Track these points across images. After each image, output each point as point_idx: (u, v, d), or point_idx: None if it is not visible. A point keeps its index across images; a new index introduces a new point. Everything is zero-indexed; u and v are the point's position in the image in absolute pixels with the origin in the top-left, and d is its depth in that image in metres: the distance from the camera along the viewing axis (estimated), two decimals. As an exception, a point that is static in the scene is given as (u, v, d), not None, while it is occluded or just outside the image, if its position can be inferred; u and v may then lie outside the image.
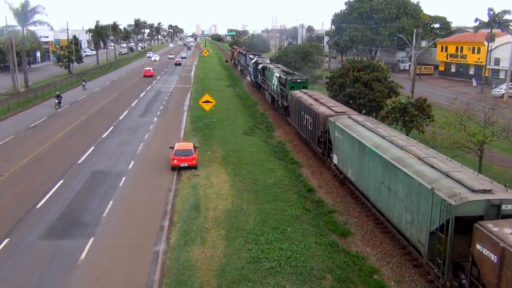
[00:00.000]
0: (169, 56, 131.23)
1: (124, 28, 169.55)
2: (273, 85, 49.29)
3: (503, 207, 14.06)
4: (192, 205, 23.19)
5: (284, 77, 43.99)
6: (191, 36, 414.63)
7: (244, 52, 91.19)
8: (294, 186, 26.47)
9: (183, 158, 28.42)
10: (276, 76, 47.76)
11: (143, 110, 49.19)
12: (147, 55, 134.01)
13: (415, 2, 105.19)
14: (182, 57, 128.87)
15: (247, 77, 76.32)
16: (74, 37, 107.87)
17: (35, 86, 64.09)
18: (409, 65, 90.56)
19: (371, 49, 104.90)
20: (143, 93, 61.68)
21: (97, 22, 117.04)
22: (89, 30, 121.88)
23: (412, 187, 16.94)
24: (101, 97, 58.00)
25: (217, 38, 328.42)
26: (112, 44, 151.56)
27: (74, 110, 49.36)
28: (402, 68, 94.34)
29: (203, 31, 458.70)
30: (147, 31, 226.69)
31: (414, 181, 16.80)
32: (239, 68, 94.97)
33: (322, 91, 46.96)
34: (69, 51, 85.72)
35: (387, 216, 19.73)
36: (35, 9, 64.86)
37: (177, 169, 28.58)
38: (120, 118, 44.92)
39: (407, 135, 33.36)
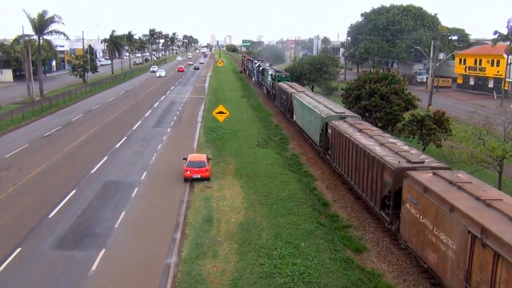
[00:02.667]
0: (189, 62, 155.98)
1: (139, 38, 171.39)
2: (268, 80, 68.69)
3: None
4: (205, 218, 23.13)
5: (274, 74, 64.58)
6: (206, 47, 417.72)
7: (251, 58, 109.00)
8: (308, 199, 26.26)
9: (196, 169, 28.43)
10: (269, 73, 67.75)
11: (157, 121, 49.46)
12: (151, 69, 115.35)
13: (433, 14, 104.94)
14: (200, 63, 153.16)
15: (253, 78, 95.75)
16: (90, 46, 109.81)
17: (50, 95, 65.00)
18: (427, 78, 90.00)
19: (388, 61, 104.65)
20: (157, 103, 62.11)
21: (112, 32, 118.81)
22: (104, 40, 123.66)
23: None
24: (115, 107, 58.53)
25: (231, 49, 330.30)
26: (127, 54, 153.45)
27: (88, 120, 49.83)
28: (419, 81, 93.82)
29: (217, 42, 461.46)
30: (161, 41, 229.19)
31: None
32: (247, 72, 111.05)
33: (338, 103, 46.76)
34: (84, 60, 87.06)
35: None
36: (52, 18, 65.95)
37: (190, 180, 28.58)
38: (134, 128, 45.21)
39: (423, 149, 33.05)
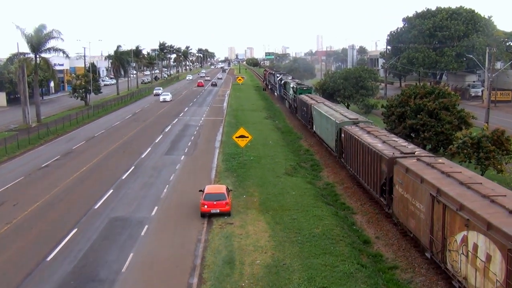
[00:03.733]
0: (206, 78, 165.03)
1: (148, 54, 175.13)
2: (290, 94, 76.08)
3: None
4: (225, 259, 23.08)
5: (295, 87, 72.28)
6: (223, 61, 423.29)
7: (273, 72, 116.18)
8: (346, 236, 26.01)
9: (215, 203, 28.51)
10: (291, 86, 75.10)
11: (169, 147, 50.04)
12: (154, 92, 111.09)
13: (486, 17, 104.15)
14: (218, 78, 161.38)
15: (275, 93, 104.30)
16: (92, 64, 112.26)
17: (48, 120, 66.52)
18: (482, 91, 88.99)
19: (435, 72, 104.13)
20: (169, 127, 62.93)
21: (118, 47, 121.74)
22: (109, 57, 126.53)
23: None
24: (121, 132, 59.55)
25: (253, 63, 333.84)
26: (134, 72, 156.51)
27: (91, 147, 50.74)
28: (473, 95, 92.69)
29: (237, 55, 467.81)
30: (173, 56, 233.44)
31: None
32: (269, 87, 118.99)
33: (379, 124, 46.55)
34: (86, 80, 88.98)
35: None
36: (50, 34, 67.70)
37: (207, 216, 28.66)
38: (143, 156, 45.79)
39: (482, 174, 32.46)
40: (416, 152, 28.78)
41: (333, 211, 30.44)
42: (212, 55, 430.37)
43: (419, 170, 24.26)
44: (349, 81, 75.28)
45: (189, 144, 51.21)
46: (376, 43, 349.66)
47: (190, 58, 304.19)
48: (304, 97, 63.71)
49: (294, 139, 55.90)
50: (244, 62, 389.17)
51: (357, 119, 42.20)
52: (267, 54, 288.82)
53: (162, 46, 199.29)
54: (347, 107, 75.04)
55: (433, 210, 21.76)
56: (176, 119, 69.73)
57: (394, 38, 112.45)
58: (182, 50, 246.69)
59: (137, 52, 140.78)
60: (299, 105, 65.71)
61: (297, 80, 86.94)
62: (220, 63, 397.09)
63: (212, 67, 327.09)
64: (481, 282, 17.71)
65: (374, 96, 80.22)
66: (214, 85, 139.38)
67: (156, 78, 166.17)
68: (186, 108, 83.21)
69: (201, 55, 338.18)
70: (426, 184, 22.76)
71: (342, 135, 39.61)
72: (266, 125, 63.09)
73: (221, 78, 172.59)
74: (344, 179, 38.75)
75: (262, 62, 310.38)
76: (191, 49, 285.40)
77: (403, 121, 43.47)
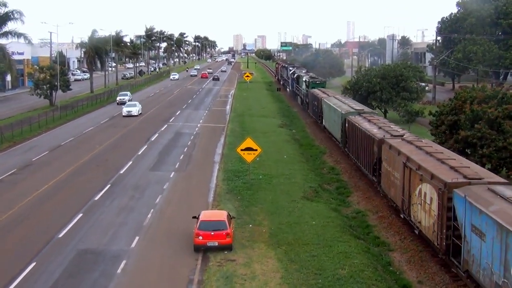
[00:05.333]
0: (208, 70, 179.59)
1: (131, 42, 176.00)
2: (302, 88, 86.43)
3: None
4: (224, 307, 22.95)
5: (308, 80, 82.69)
6: (228, 52, 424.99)
7: (286, 65, 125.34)
8: (380, 280, 25.91)
9: (212, 233, 28.42)
10: (303, 80, 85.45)
11: (155, 161, 50.13)
12: (118, 99, 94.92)
13: None
14: (222, 71, 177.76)
15: (287, 88, 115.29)
16: (60, 53, 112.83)
17: (2, 124, 66.14)
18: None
19: (498, 71, 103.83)
20: (156, 135, 63.07)
21: (93, 32, 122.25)
22: (81, 44, 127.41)
23: None
24: (95, 141, 59.81)
25: (265, 55, 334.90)
26: (114, 64, 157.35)
27: (56, 159, 50.90)
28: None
29: (244, 45, 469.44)
30: (163, 45, 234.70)
31: None
32: (282, 83, 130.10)
33: (425, 136, 46.39)
34: (52, 74, 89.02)
35: None
36: (8, 14, 67.81)
37: (203, 249, 28.56)
38: (122, 171, 45.84)
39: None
40: (404, 135, 39.18)
41: (364, 247, 30.32)
42: (213, 45, 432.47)
43: (399, 145, 35.47)
44: (387, 81, 75.19)
45: (181, 158, 51.25)
46: (422, 32, 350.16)
47: (185, 48, 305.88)
48: (315, 91, 73.61)
49: (315, 154, 55.83)
50: (254, 54, 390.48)
51: (363, 109, 53.12)
52: (283, 44, 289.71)
53: (150, 33, 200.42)
54: (384, 114, 74.87)
55: (404, 175, 32.74)
56: (166, 125, 69.92)
57: (446, 27, 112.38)
58: (174, 38, 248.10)
59: (117, 40, 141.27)
60: (311, 99, 75.88)
61: (311, 74, 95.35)
62: (221, 55, 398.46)
63: (209, 60, 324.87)
64: (427, 220, 29.02)
65: (420, 100, 79.99)
66: (216, 79, 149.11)
67: (141, 73, 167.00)
68: (178, 112, 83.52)
69: (199, 45, 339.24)
70: (401, 155, 33.72)
71: (346, 124, 50.14)
72: (280, 135, 63.05)
73: (225, 71, 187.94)
74: (379, 206, 38.58)
75: (276, 55, 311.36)
76: (186, 36, 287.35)
77: (455, 132, 43.27)
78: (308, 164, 50.24)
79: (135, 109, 79.44)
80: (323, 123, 64.50)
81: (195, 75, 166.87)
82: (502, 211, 22.21)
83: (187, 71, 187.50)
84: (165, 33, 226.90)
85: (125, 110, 79.30)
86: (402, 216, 33.78)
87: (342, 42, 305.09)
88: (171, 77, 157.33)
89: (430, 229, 28.55)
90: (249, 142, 42.22)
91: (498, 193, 24.00)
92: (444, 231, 26.63)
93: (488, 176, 28.02)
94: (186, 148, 55.66)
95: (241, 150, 42.19)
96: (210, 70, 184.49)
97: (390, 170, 35.80)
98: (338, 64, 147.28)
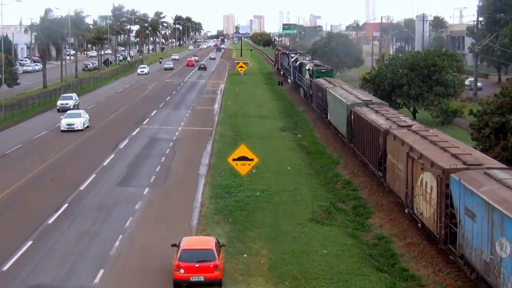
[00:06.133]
0: (194, 57, 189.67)
1: (95, 23, 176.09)
2: (306, 79, 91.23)
3: None
4: None
5: (312, 68, 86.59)
6: (216, 37, 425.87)
7: (287, 52, 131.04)
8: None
9: (197, 265, 28.25)
10: (307, 69, 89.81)
11: (125, 174, 50.06)
12: (59, 103, 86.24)
13: None
14: (211, 58, 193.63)
15: (288, 79, 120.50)
16: (5, 38, 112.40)
17: None
18: None
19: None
20: (126, 141, 62.86)
21: (47, 12, 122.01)
22: (31, 27, 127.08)
23: None
24: (49, 148, 59.64)
25: (263, 41, 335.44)
26: (73, 52, 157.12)
27: (-1, 172, 50.81)
28: None
29: (237, 28, 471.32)
30: (135, 28, 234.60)
31: None
32: (282, 73, 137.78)
33: (466, 141, 46.25)
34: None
35: None
36: None
37: (185, 286, 28.47)
38: (82, 187, 45.65)
39: None
40: (412, 126, 44.03)
41: (389, 282, 30.15)
42: (197, 28, 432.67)
43: (403, 136, 40.00)
44: (417, 72, 75.26)
45: (157, 170, 51.12)
46: (460, 12, 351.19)
47: (163, 32, 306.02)
48: (320, 80, 78.45)
49: (327, 165, 55.70)
50: (249, 39, 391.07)
51: (371, 100, 58.68)
52: (286, 26, 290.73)
53: (118, 12, 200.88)
54: (413, 114, 74.78)
55: (407, 166, 37.09)
56: (138, 129, 69.69)
57: (489, 5, 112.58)
58: (149, 19, 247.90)
59: (77, 21, 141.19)
60: (315, 91, 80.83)
61: (316, 61, 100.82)
62: (207, 41, 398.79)
63: (191, 48, 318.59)
64: (428, 210, 33.25)
65: (458, 97, 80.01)
66: (203, 68, 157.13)
67: (106, 63, 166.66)
68: (154, 112, 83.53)
69: (180, 27, 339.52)
70: (405, 145, 38.20)
71: (352, 117, 54.82)
72: (282, 141, 63.05)
73: (214, 58, 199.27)
74: (407, 230, 38.37)
75: (278, 40, 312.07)
76: (164, 17, 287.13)
77: (502, 137, 43.15)
78: (317, 177, 50.19)
79: (79, 122, 70.11)
80: (328, 117, 69.39)
81: (170, 68, 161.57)
82: (492, 191, 26.48)
83: (160, 62, 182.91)
84: (137, 13, 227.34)
85: (64, 123, 69.45)
86: (406, 211, 38.79)
87: (360, 24, 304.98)
88: (139, 71, 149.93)
89: (431, 220, 32.99)
90: (243, 150, 41.98)
91: (492, 176, 28.30)
92: (443, 219, 31.05)
93: (489, 162, 32.55)
94: (163, 158, 55.46)
95: (233, 160, 41.92)
96: (196, 58, 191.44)
97: (394, 163, 40.81)
98: (355, 51, 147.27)
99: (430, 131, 41.59)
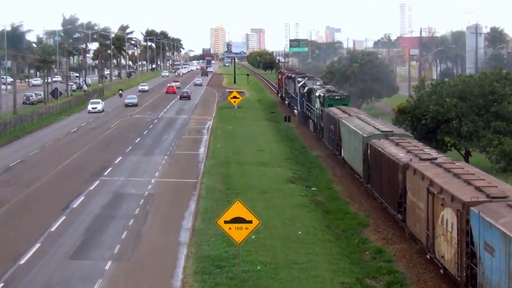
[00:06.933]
0: (175, 83, 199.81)
1: (40, 41, 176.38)
2: (316, 108, 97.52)
3: None
4: None
5: (323, 95, 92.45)
6: (202, 58, 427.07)
7: (292, 75, 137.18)
8: None
9: None
10: (316, 95, 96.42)
11: (80, 242, 49.90)
12: None
13: None
14: (196, 84, 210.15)
15: (295, 109, 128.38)
16: None
17: None
18: None
19: None
20: (80, 198, 62.70)
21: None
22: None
23: None
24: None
25: (264, 62, 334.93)
26: (10, 80, 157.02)
27: None
28: None
29: (229, 46, 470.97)
30: (93, 47, 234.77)
31: None
32: (287, 102, 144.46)
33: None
34: None
35: None
36: None
37: None
38: (22, 261, 45.42)
39: None
40: (437, 158, 48.44)
41: None
42: (176, 45, 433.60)
43: (424, 169, 44.02)
44: (469, 103, 75.17)
45: (123, 236, 51.14)
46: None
47: (130, 52, 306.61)
48: (333, 110, 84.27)
49: (351, 227, 55.36)
50: (245, 60, 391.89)
51: (392, 131, 63.04)
52: (295, 43, 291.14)
53: (70, 26, 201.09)
54: (465, 157, 74.88)
55: (427, 204, 41.01)
56: (97, 182, 69.68)
57: None
58: (112, 35, 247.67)
59: (15, 38, 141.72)
60: (326, 122, 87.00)
61: (329, 86, 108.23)
62: (188, 64, 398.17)
63: (165, 74, 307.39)
64: (449, 252, 36.91)
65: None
66: (186, 97, 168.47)
67: (55, 94, 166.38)
68: (119, 158, 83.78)
69: (153, 45, 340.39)
70: (425, 180, 42.05)
71: (369, 151, 59.92)
72: (290, 197, 62.65)
73: (200, 84, 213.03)
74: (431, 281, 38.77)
75: (283, 61, 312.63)
76: (131, 32, 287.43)
77: None
78: (338, 245, 50.06)
79: None
80: (342, 154, 74.96)
81: (134, 105, 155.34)
82: (511, 222, 29.69)
83: (120, 95, 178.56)
84: (96, 27, 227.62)
85: None
86: (428, 256, 43.24)
87: (393, 38, 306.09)
88: (90, 107, 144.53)
89: (452, 262, 36.83)
90: (238, 209, 41.57)
91: None
92: (464, 259, 34.82)
93: None
94: (132, 220, 55.25)
95: (226, 222, 41.51)
96: (178, 83, 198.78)
97: (414, 201, 45.28)
98: (386, 75, 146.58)
99: (457, 163, 46.09)
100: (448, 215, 37.12)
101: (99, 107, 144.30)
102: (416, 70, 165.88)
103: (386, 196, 53.91)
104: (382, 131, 61.94)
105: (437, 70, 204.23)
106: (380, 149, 55.28)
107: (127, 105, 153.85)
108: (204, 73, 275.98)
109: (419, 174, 43.75)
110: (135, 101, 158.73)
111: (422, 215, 42.66)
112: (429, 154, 50.78)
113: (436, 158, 48.39)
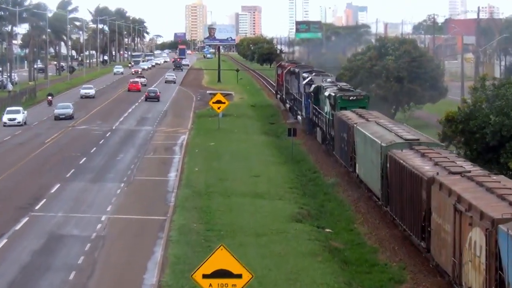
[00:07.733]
0: (140, 79, 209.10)
1: None
2: (325, 112, 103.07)
3: None
4: None
5: (335, 95, 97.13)
6: (174, 47, 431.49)
7: (296, 70, 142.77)
8: None
9: None
10: (325, 95, 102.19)
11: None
12: None
13: None
14: (169, 81, 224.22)
15: (298, 115, 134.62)
16: None
17: None
18: None
19: None
20: (2, 242, 62.22)
21: None
22: None
23: None
24: None
25: (259, 54, 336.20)
26: None
27: None
28: None
29: (211, 30, 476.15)
30: (22, 30, 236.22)
31: None
32: (289, 106, 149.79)
33: None
34: None
35: None
36: None
37: None
38: None
39: None
40: (471, 171, 51.39)
41: None
42: (138, 29, 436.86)
43: (451, 183, 47.25)
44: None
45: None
46: None
47: (75, 37, 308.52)
48: (346, 114, 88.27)
49: (381, 284, 54.90)
50: (233, 50, 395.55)
51: (418, 139, 66.88)
52: (303, 26, 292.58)
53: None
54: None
55: (454, 224, 43.87)
56: (25, 219, 69.50)
57: None
58: (49, 13, 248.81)
59: None
60: (338, 130, 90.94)
61: (342, 84, 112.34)
62: (153, 56, 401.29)
63: (119, 70, 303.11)
64: (477, 280, 39.32)
65: None
66: (153, 98, 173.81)
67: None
68: (57, 186, 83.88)
69: (106, 28, 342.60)
70: (452, 196, 45.08)
71: (388, 165, 63.34)
72: (296, 242, 62.17)
73: (173, 81, 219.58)
74: None
75: (287, 52, 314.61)
76: (75, 9, 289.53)
77: None
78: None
79: None
80: (356, 170, 78.84)
81: (68, 116, 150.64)
82: None
83: (50, 102, 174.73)
84: (26, 2, 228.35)
85: None
86: None
87: (439, 21, 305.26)
88: (5, 119, 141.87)
89: None
90: (222, 258, 40.82)
91: None
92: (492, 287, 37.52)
93: None
94: (73, 274, 54.44)
95: (204, 276, 40.81)
96: (144, 80, 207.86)
97: (440, 223, 48.51)
98: (430, 71, 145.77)
99: (494, 177, 48.89)
100: (476, 237, 39.07)
101: (19, 118, 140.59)
102: (471, 65, 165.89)
103: (407, 220, 56.21)
104: (406, 139, 64.70)
105: (500, 65, 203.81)
106: (402, 161, 57.75)
107: (57, 118, 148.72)
108: (177, 66, 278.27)
109: (446, 189, 46.31)
110: (69, 111, 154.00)
111: (448, 239, 45.04)
112: (461, 166, 53.33)
113: (469, 172, 50.58)
